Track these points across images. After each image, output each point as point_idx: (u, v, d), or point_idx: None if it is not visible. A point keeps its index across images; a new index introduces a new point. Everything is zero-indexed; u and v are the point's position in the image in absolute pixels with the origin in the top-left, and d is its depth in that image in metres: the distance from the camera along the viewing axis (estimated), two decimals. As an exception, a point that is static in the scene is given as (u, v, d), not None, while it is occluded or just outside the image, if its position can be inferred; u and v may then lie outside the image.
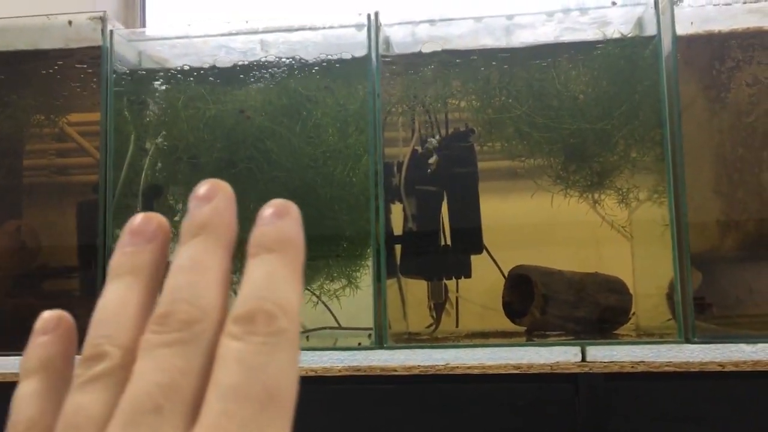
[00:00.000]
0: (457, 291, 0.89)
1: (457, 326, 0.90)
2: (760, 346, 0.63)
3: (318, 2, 1.27)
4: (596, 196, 0.78)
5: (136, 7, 1.55)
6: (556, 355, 0.67)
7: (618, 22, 0.76)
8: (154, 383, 0.21)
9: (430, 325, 0.88)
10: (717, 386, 0.65)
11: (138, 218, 0.25)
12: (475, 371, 0.67)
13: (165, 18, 1.56)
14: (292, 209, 0.23)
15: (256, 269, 0.22)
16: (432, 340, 0.80)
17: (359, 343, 0.71)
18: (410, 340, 0.84)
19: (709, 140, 0.69)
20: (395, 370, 0.67)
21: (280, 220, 0.23)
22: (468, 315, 0.89)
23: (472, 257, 0.86)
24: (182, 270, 0.23)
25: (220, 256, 0.23)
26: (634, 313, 0.78)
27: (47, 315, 0.25)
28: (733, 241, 0.68)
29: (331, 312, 0.83)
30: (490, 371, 0.67)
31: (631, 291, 0.78)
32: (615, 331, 0.78)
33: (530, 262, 0.82)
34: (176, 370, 0.21)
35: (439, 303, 0.88)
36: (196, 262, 0.23)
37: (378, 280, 0.71)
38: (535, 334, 0.77)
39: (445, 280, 0.83)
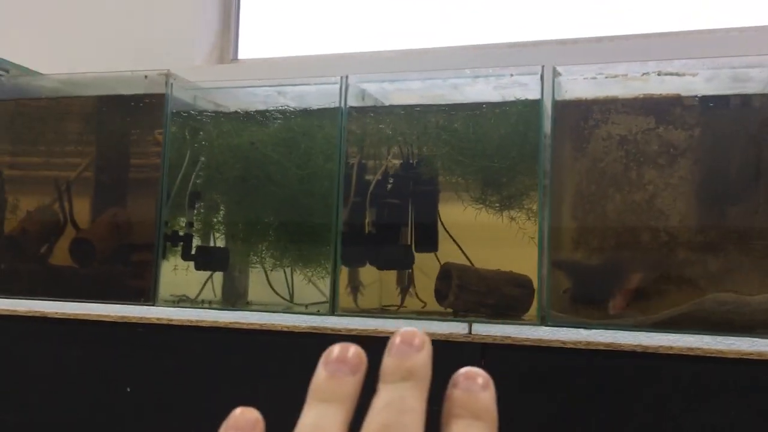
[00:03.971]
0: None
1: (423, 307, 1.17)
2: (592, 331, 0.87)
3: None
4: (511, 213, 1.03)
5: (231, 35, 1.91)
6: (451, 328, 0.94)
7: (533, 84, 1.01)
8: None
9: (399, 305, 1.16)
10: (561, 358, 0.89)
11: (340, 348, 0.27)
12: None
13: (256, 41, 1.91)
14: (491, 382, 0.27)
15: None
16: (378, 312, 1.08)
17: (318, 311, 1.01)
18: (383, 312, 1.12)
19: (572, 179, 0.94)
20: (340, 331, 0.97)
21: (485, 391, 0.26)
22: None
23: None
24: (394, 408, 0.25)
25: (423, 402, 0.26)
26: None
27: (245, 416, 0.26)
28: (581, 254, 0.92)
29: (321, 290, 1.14)
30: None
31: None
32: (522, 317, 1.03)
33: (473, 256, 1.08)
34: None
35: (403, 288, 1.16)
36: (407, 404, 0.25)
37: (334, 268, 1.01)
38: (459, 314, 1.04)
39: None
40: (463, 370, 0.28)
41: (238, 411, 0.27)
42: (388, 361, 0.27)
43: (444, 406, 0.27)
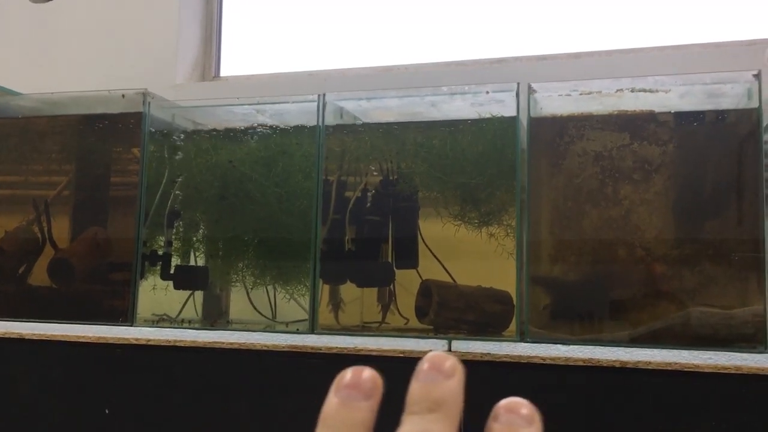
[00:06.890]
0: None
1: (406, 324, 1.17)
2: (571, 347, 0.87)
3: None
4: (489, 229, 1.03)
5: (212, 52, 1.91)
6: (431, 345, 0.93)
7: (510, 100, 1.01)
8: None
9: (380, 321, 1.16)
10: (539, 375, 0.89)
11: (353, 372, 0.25)
12: (373, 353, 0.95)
13: (238, 58, 1.91)
14: (537, 416, 0.24)
15: None
16: (359, 329, 1.08)
17: (297, 329, 1.00)
18: (364, 329, 1.12)
19: (549, 195, 0.94)
20: (320, 349, 0.96)
21: (530, 427, 0.24)
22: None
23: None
24: None
25: None
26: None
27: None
28: (559, 269, 0.92)
29: (302, 306, 1.13)
30: (385, 354, 0.94)
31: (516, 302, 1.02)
32: (502, 333, 1.03)
33: (453, 272, 1.08)
34: None
35: (384, 304, 1.15)
36: None
37: (313, 286, 1.01)
38: (441, 331, 1.03)
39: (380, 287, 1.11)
40: (505, 401, 0.26)
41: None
42: (415, 388, 0.25)
43: None
